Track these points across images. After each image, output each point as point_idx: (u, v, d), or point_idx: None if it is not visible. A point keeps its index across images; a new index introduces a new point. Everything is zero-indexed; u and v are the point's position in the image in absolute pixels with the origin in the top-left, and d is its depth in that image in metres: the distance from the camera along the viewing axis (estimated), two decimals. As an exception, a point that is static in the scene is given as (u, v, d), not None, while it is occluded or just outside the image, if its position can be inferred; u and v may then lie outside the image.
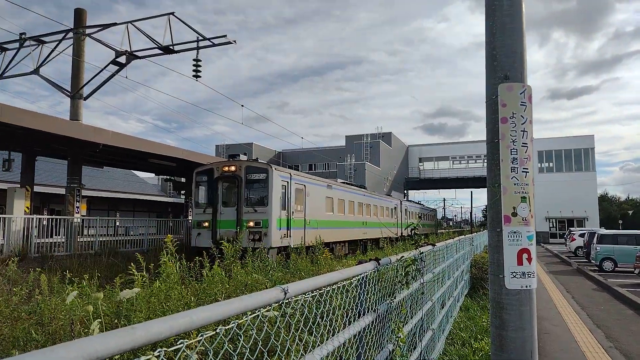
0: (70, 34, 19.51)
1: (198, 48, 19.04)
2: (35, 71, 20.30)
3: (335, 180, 23.93)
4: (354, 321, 2.63)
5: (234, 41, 19.42)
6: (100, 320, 3.59)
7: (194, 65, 19.06)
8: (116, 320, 4.35)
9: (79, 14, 20.09)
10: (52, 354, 0.91)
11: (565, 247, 33.87)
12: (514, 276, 3.18)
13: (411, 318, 4.05)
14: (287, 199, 15.59)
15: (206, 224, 15.00)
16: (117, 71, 18.89)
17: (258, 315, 1.68)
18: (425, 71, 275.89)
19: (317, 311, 2.11)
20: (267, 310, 1.73)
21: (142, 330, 1.12)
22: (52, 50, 19.96)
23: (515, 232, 3.22)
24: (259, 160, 15.98)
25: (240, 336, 1.53)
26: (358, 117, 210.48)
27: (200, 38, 18.94)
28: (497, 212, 3.30)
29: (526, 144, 3.26)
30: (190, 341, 1.30)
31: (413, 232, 4.25)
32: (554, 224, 49.90)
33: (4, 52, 21.31)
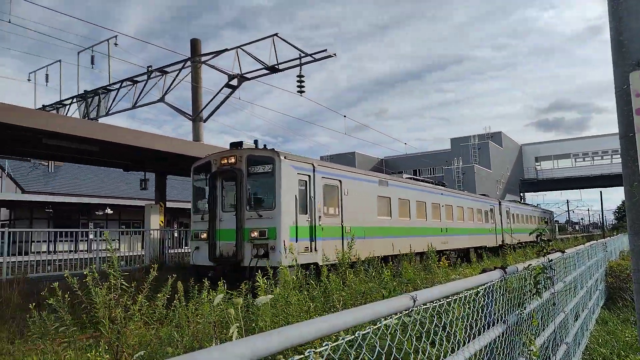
0: (188, 63, 21.53)
1: (301, 64, 19.84)
2: (161, 99, 22.69)
3: (401, 176, 19.57)
4: (483, 332, 2.54)
5: (334, 54, 19.92)
6: (238, 324, 3.91)
7: (297, 81, 19.90)
8: (254, 325, 4.68)
9: (194, 44, 22.15)
10: (227, 350, 1.05)
11: None
12: (666, 285, 2.84)
13: (543, 330, 3.79)
14: (310, 198, 11.74)
15: (204, 235, 11.81)
16: (231, 93, 20.39)
17: (386, 323, 1.73)
18: (535, 63, 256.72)
19: (447, 320, 2.09)
20: (398, 318, 1.76)
21: (294, 330, 1.23)
22: (174, 79, 22.19)
23: (662, 236, 2.88)
24: (266, 147, 12.12)
25: (377, 342, 1.59)
26: (462, 118, 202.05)
27: (303, 55, 19.74)
28: (637, 213, 2.98)
29: (667, 136, 2.91)
30: (335, 343, 1.39)
31: (539, 238, 3.99)
32: None
33: (135, 85, 24.24)
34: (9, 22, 15.77)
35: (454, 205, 21.53)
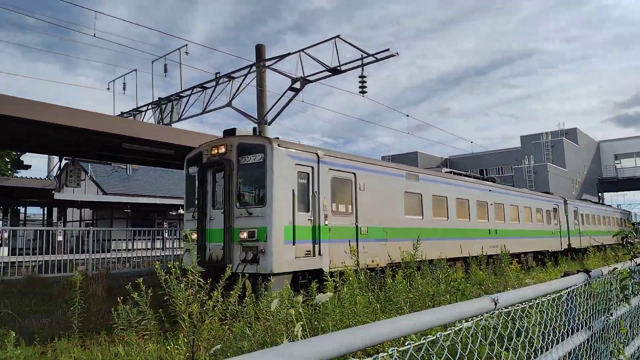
0: (254, 68, 22.18)
1: (362, 65, 19.81)
2: (229, 104, 23.53)
3: (439, 170, 17.47)
4: (567, 337, 2.43)
5: (397, 53, 19.67)
6: (302, 322, 4.01)
7: (359, 82, 19.88)
8: (316, 322, 4.77)
9: (259, 49, 22.76)
10: (310, 344, 1.10)
11: None
12: None
13: (632, 339, 3.53)
14: (313, 193, 10.16)
15: (195, 235, 10.45)
16: (294, 96, 20.76)
17: (464, 326, 1.70)
18: (612, 55, 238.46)
19: (528, 325, 2.02)
20: (478, 321, 1.73)
21: (377, 328, 1.26)
22: (240, 84, 22.94)
23: None
24: (259, 134, 10.02)
25: (458, 343, 1.57)
26: (532, 115, 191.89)
27: (364, 55, 19.70)
28: None
29: None
30: (417, 343, 1.40)
31: (625, 240, 3.73)
32: None
33: (204, 91, 25.33)
34: (94, 36, 17.07)
35: (506, 204, 18.87)
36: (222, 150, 10.16)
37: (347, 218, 10.89)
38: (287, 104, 20.84)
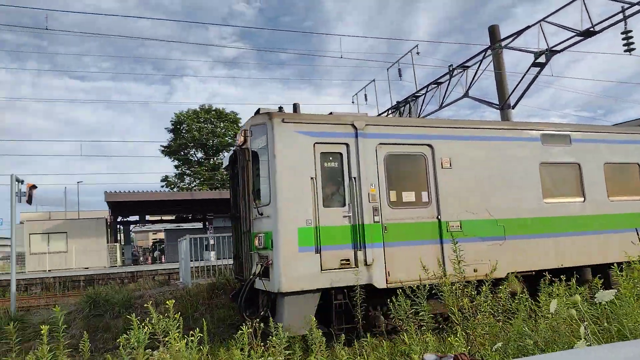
0: (489, 52, 21.13)
1: (625, 18, 16.61)
2: (465, 94, 23.01)
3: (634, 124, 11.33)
4: None
5: (676, -9, 15.76)
6: (586, 323, 3.65)
7: (623, 38, 16.72)
8: (606, 323, 4.30)
9: (492, 31, 21.58)
10: None
11: None
12: None
13: None
14: (350, 180, 7.62)
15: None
16: (539, 72, 18.96)
17: None
18: None
19: None
20: None
21: None
22: (476, 72, 22.14)
23: None
24: (281, 110, 7.97)
25: None
26: None
27: (626, 6, 16.47)
28: None
29: None
30: None
31: None
32: None
33: (438, 86, 25.40)
34: (341, 57, 19.24)
35: None
36: (242, 138, 8.28)
37: (419, 210, 8.06)
38: (532, 82, 19.08)
